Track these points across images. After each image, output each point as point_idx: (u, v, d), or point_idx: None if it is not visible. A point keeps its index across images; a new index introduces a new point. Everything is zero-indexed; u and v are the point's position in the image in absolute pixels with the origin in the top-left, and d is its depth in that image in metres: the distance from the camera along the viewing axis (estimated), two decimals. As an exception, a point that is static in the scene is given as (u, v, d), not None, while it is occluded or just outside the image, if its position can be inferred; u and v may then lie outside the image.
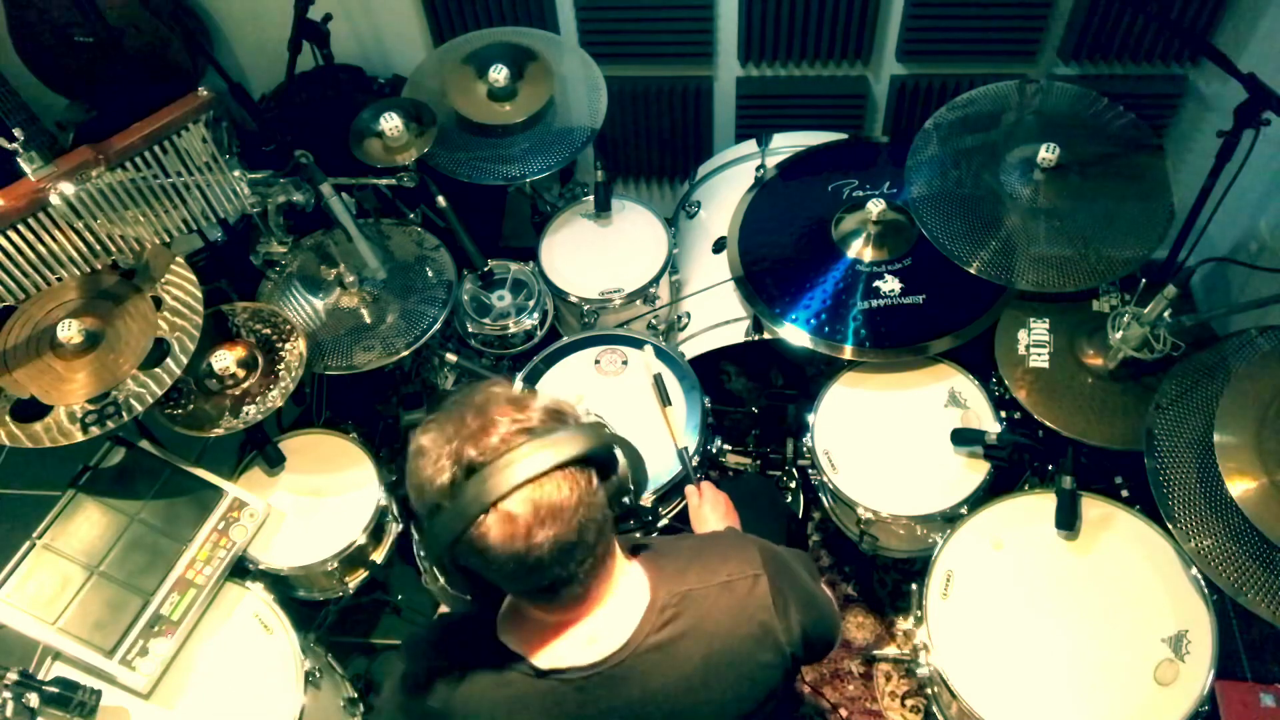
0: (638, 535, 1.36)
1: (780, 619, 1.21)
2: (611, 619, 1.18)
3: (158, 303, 1.94)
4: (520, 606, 1.21)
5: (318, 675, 1.92)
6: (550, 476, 1.05)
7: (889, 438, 2.09)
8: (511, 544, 1.04)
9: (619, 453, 1.18)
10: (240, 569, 2.03)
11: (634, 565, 1.23)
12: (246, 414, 2.01)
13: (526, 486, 1.03)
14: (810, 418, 2.14)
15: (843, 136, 2.60)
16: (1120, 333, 1.95)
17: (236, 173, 1.95)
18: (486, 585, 1.14)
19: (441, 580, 1.16)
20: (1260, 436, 1.62)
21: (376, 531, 2.13)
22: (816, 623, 1.28)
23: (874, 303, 2.17)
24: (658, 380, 2.12)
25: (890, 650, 2.39)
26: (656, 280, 2.42)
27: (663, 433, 2.08)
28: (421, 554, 1.17)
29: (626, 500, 1.19)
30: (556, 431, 1.08)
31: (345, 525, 2.07)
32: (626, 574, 1.21)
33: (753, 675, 1.21)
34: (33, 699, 1.63)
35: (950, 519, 1.96)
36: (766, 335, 2.22)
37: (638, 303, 2.43)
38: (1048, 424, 1.97)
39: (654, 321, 2.49)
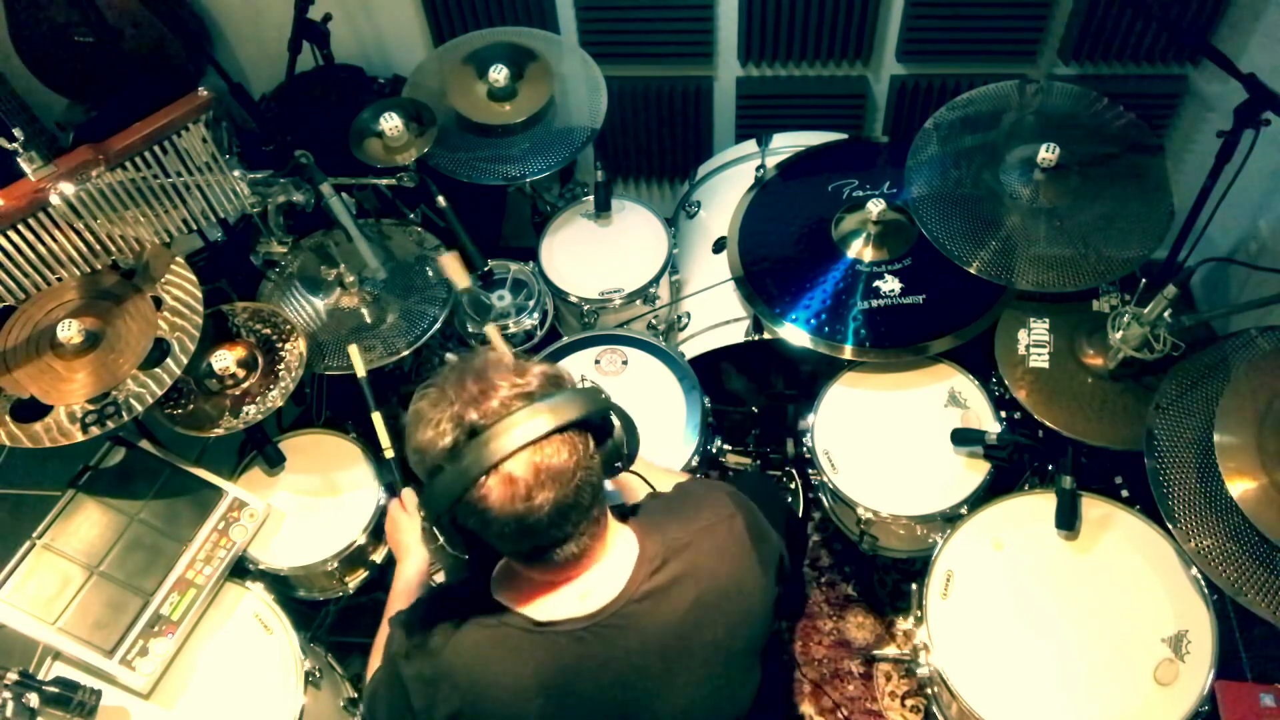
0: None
1: (758, 549, 1.27)
2: (604, 575, 1.20)
3: (158, 303, 1.93)
4: (513, 566, 1.23)
5: (318, 675, 1.92)
6: (550, 440, 1.08)
7: (889, 438, 2.09)
8: (512, 505, 1.07)
9: (614, 418, 1.22)
10: (240, 569, 2.03)
11: (623, 525, 1.26)
12: (246, 414, 2.01)
13: (528, 449, 1.06)
14: (810, 418, 2.14)
15: (843, 136, 2.60)
16: (1120, 333, 1.95)
17: (236, 173, 1.94)
18: (485, 546, 1.16)
19: (440, 540, 1.19)
20: (1260, 436, 1.62)
21: (376, 531, 2.12)
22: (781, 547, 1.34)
23: (874, 303, 2.17)
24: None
25: (890, 650, 2.39)
26: (656, 280, 2.41)
27: (665, 431, 2.08)
28: (421, 514, 1.20)
29: (619, 465, 1.23)
30: (555, 396, 1.11)
31: (345, 525, 2.08)
32: (618, 533, 1.24)
33: (744, 610, 1.24)
34: (33, 699, 1.63)
35: (950, 519, 1.96)
36: (766, 335, 2.22)
37: (638, 303, 2.42)
38: (1048, 424, 1.97)
39: (654, 321, 2.49)
